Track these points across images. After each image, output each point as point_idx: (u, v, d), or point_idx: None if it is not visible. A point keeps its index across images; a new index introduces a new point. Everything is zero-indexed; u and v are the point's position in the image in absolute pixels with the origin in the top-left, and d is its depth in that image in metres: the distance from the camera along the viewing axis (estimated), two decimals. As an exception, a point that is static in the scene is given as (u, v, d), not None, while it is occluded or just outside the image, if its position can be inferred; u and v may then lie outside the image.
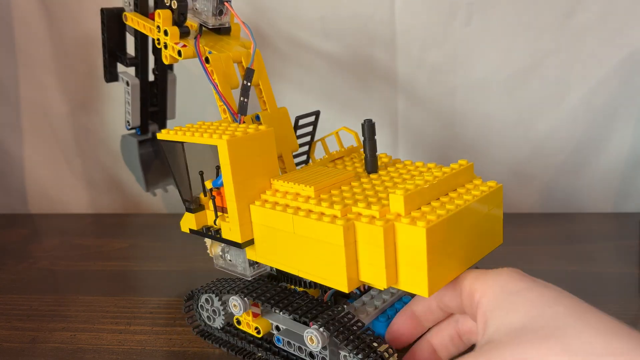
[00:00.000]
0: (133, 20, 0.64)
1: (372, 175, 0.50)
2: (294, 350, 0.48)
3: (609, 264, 0.68)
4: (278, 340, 0.50)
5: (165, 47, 0.55)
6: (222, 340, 0.55)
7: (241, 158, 0.46)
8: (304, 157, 0.57)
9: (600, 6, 0.76)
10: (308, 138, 0.57)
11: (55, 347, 0.56)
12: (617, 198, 0.85)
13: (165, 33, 0.55)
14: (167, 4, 0.54)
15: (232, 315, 0.54)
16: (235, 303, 0.52)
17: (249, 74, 0.52)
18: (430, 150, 0.86)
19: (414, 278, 0.40)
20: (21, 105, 0.94)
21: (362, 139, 0.51)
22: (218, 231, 0.50)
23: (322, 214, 0.43)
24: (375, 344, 0.43)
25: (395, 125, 0.85)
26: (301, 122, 0.56)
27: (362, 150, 0.56)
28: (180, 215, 0.50)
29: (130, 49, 0.72)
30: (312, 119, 0.57)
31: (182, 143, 0.49)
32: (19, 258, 0.79)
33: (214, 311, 0.55)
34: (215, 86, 0.52)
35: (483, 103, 0.83)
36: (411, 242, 0.39)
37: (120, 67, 0.73)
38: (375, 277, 0.41)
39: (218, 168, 0.51)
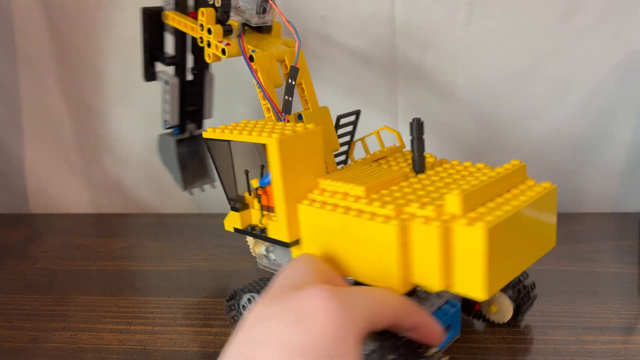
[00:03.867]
0: (174, 19, 0.64)
1: (421, 175, 0.49)
2: None
3: (609, 264, 0.68)
4: None
5: (209, 45, 0.55)
6: None
7: (290, 157, 0.46)
8: (342, 157, 0.58)
9: (600, 6, 0.76)
10: (347, 138, 0.57)
11: (55, 347, 0.56)
12: (617, 198, 0.85)
13: (209, 31, 0.54)
14: (210, 2, 0.55)
15: None
16: None
17: (293, 72, 0.52)
18: (429, 151, 0.86)
19: (470, 281, 0.39)
20: (21, 105, 0.94)
21: (410, 138, 0.50)
22: (264, 230, 0.50)
23: (374, 214, 0.42)
24: (421, 350, 0.41)
25: (395, 126, 0.85)
26: (344, 120, 0.56)
27: (405, 150, 0.56)
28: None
29: (169, 48, 0.71)
30: (352, 118, 0.57)
31: (228, 142, 0.49)
32: (19, 258, 0.79)
33: None
34: (260, 84, 0.52)
35: (483, 103, 0.83)
36: (469, 244, 0.38)
37: (159, 67, 0.73)
38: (428, 279, 0.40)
39: (262, 167, 0.51)
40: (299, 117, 0.55)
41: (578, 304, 0.59)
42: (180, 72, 0.72)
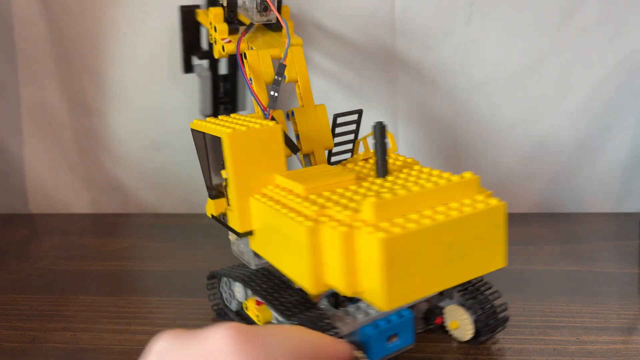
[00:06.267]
0: (202, 17, 0.69)
1: (377, 180, 0.47)
2: None
3: (609, 264, 0.68)
4: None
5: (215, 42, 0.59)
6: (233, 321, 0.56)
7: (242, 151, 0.47)
8: (347, 155, 0.58)
9: (600, 6, 0.76)
10: (350, 137, 0.58)
11: (55, 347, 0.56)
12: (617, 198, 0.85)
13: (215, 29, 0.59)
14: (220, 2, 0.59)
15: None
16: (238, 289, 0.54)
17: (280, 69, 0.54)
18: (430, 151, 0.86)
19: (373, 289, 0.38)
20: (21, 105, 0.94)
21: (373, 141, 0.48)
22: (225, 217, 0.51)
23: (298, 212, 0.42)
24: None
25: (395, 126, 0.85)
26: (343, 120, 0.56)
27: (395, 152, 0.57)
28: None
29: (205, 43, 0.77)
30: (354, 117, 0.57)
31: (203, 133, 0.51)
32: (19, 258, 0.79)
33: (230, 294, 0.58)
34: (247, 81, 0.55)
35: (483, 103, 0.83)
36: (369, 252, 0.37)
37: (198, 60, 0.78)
38: (338, 281, 0.40)
39: None
40: (292, 114, 0.57)
41: (578, 304, 0.59)
42: (213, 66, 0.77)
